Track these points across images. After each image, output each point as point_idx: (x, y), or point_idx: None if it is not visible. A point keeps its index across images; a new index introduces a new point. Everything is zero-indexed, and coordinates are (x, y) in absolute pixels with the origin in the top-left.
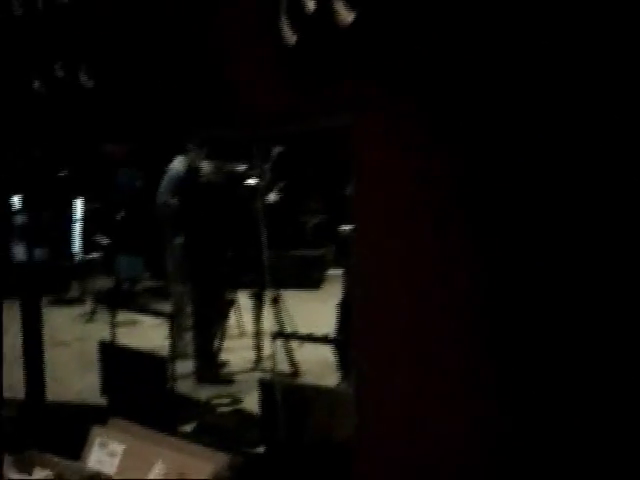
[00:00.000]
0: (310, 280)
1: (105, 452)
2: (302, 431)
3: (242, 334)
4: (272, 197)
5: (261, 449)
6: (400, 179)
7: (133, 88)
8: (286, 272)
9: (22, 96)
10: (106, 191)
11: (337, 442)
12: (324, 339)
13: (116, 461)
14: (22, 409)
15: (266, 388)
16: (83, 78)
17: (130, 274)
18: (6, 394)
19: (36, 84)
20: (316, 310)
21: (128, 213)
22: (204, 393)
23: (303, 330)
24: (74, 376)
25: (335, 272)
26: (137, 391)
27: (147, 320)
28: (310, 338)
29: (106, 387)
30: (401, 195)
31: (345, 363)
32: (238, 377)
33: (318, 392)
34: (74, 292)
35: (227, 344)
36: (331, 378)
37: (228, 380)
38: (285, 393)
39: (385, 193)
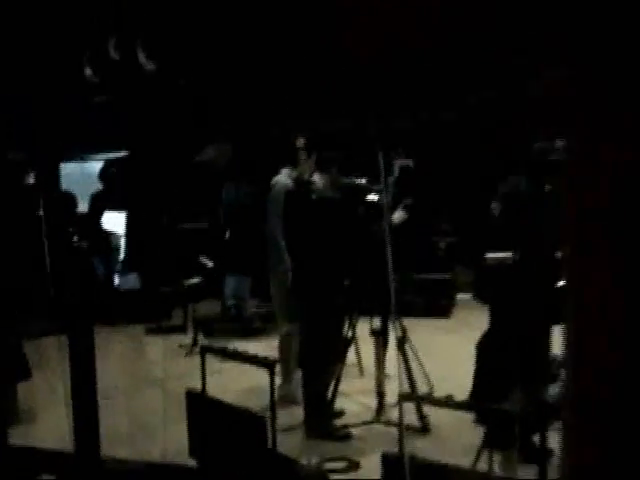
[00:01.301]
0: (438, 307)
1: None
2: None
3: (362, 373)
4: (398, 216)
5: None
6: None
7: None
8: (411, 298)
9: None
10: (210, 207)
11: None
12: (465, 404)
13: None
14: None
15: (392, 464)
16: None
17: (237, 295)
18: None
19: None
20: (448, 344)
21: (235, 231)
22: (314, 453)
23: (434, 371)
24: (161, 427)
25: (465, 296)
26: (231, 453)
27: (252, 349)
28: (447, 403)
29: (195, 446)
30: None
31: (488, 423)
32: (356, 431)
33: (464, 476)
34: (176, 320)
35: (343, 386)
36: (468, 437)
37: (344, 436)
38: (417, 474)
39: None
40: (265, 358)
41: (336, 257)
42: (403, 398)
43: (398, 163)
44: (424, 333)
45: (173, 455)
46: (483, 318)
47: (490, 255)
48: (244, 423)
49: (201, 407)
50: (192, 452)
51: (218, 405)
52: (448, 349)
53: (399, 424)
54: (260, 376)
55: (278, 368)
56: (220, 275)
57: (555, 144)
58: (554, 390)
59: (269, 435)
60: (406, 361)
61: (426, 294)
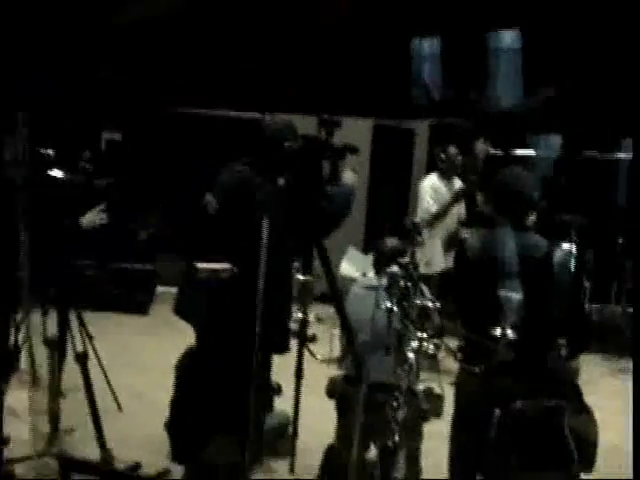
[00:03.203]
0: (135, 302)
1: None
2: None
3: (34, 383)
4: (88, 218)
5: None
6: None
7: None
8: (105, 290)
9: None
10: None
11: None
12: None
13: None
14: None
15: None
16: None
17: None
18: None
19: None
20: (145, 349)
21: None
22: None
23: (127, 384)
24: None
25: (166, 290)
26: None
27: None
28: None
29: None
30: None
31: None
32: (22, 469)
33: None
34: None
35: (9, 400)
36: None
37: (5, 477)
38: None
39: None
40: None
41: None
42: (63, 463)
43: (106, 136)
44: (118, 334)
45: None
46: None
47: (201, 265)
48: None
49: None
50: None
51: None
52: (145, 355)
53: None
54: None
55: None
56: None
57: (291, 126)
58: (271, 421)
59: None
60: (87, 380)
61: (122, 286)
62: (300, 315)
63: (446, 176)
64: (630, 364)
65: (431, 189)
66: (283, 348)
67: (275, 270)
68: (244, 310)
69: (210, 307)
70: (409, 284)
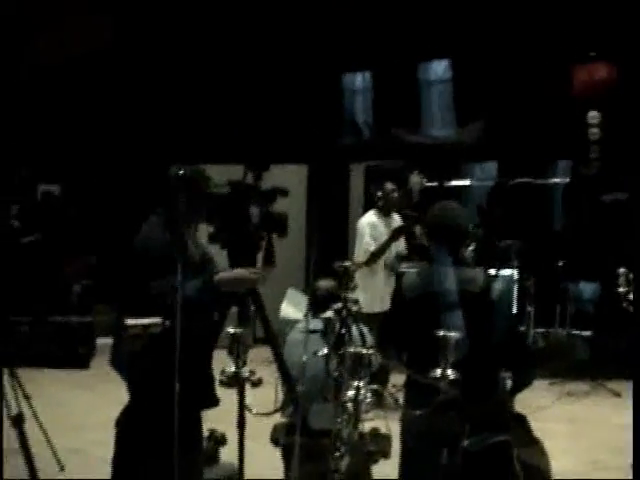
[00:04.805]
0: (75, 357)
1: None
2: None
3: None
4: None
5: None
6: None
7: None
8: (41, 345)
9: None
10: None
11: None
12: None
13: None
14: None
15: None
16: None
17: None
18: None
19: None
20: (84, 405)
21: None
22: None
23: (68, 442)
24: None
25: (107, 341)
26: None
27: None
28: None
29: None
30: None
31: None
32: None
33: None
34: None
35: None
36: None
37: None
38: None
39: None
40: None
41: None
42: None
43: (42, 188)
44: (57, 390)
45: None
46: None
47: (131, 322)
48: None
49: None
50: None
51: None
52: (86, 410)
53: None
54: None
55: None
56: None
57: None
58: (217, 473)
59: None
60: (24, 444)
61: (61, 341)
62: (233, 369)
63: (384, 213)
64: (577, 387)
65: (369, 227)
66: (210, 403)
67: (201, 323)
68: (172, 364)
69: (140, 362)
70: (343, 330)
